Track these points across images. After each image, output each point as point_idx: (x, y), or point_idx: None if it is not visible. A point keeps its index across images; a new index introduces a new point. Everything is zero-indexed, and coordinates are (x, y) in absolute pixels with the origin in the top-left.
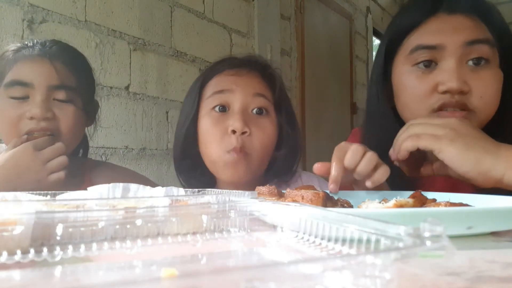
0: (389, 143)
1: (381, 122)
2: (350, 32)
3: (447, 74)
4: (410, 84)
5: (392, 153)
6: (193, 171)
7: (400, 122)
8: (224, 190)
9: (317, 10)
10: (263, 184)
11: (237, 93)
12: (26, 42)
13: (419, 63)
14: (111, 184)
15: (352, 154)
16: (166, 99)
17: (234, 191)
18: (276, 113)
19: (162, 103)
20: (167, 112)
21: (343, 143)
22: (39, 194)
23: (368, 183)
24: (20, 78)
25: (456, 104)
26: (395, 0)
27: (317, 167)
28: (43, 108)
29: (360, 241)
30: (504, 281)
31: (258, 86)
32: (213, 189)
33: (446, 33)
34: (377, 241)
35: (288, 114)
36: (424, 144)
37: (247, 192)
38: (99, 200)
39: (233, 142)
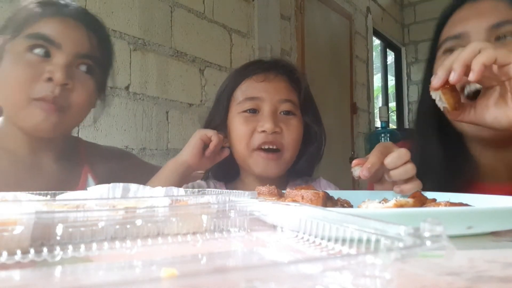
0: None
1: (432, 127)
2: (350, 32)
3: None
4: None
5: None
6: (222, 165)
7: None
8: (224, 190)
9: (317, 10)
10: (286, 184)
11: (267, 100)
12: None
13: (447, 50)
14: (111, 184)
15: (397, 156)
16: (166, 99)
17: (234, 191)
18: (302, 113)
19: (162, 103)
20: (167, 112)
21: (389, 143)
22: (39, 194)
23: (397, 189)
24: (47, 33)
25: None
26: (395, 0)
27: (356, 162)
28: (66, 73)
29: (360, 241)
30: (504, 281)
31: (285, 91)
32: (213, 189)
33: (469, 20)
34: (377, 241)
35: (314, 113)
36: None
37: (247, 192)
38: (99, 200)
39: (262, 138)
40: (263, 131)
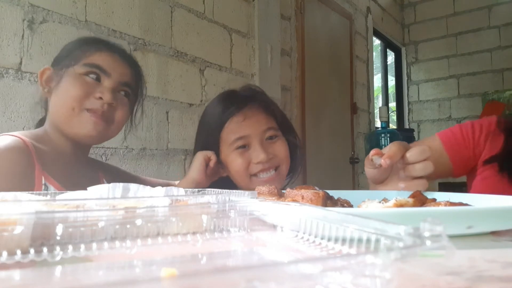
0: None
1: None
2: (350, 32)
3: None
4: None
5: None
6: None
7: None
8: (224, 190)
9: (317, 10)
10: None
11: (253, 135)
12: (105, 39)
13: None
14: (111, 184)
15: (420, 152)
16: (166, 99)
17: (234, 191)
18: (283, 132)
19: (162, 103)
20: (167, 112)
21: (404, 142)
22: (39, 194)
23: (402, 185)
24: (101, 64)
25: None
26: (395, 0)
27: (375, 152)
28: (112, 95)
29: (360, 241)
30: (504, 281)
31: (265, 121)
32: (213, 189)
33: None
34: (377, 241)
35: (290, 129)
36: None
37: (247, 192)
38: (99, 200)
39: (259, 167)
40: (259, 162)
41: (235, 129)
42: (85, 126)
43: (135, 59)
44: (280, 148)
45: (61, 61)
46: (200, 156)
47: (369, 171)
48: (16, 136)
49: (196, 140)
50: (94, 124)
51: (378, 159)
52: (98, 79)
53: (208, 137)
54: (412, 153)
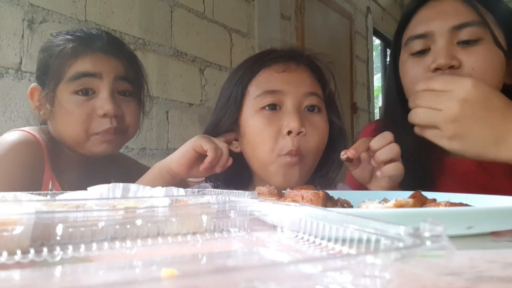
0: (406, 142)
1: (397, 119)
2: (350, 32)
3: (436, 53)
4: (408, 69)
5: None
6: (230, 173)
7: None
8: (224, 190)
9: (317, 10)
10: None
11: (290, 93)
12: (77, 34)
13: (415, 53)
14: (111, 184)
15: (380, 137)
16: (166, 99)
17: (234, 191)
18: (327, 109)
19: (162, 103)
20: (167, 112)
21: (371, 138)
22: (39, 194)
23: (378, 173)
24: (87, 70)
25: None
26: (395, 0)
27: (344, 151)
28: (113, 103)
29: (360, 241)
30: (504, 281)
31: (309, 83)
32: (213, 189)
33: (434, 19)
34: (377, 241)
35: (335, 109)
36: (428, 137)
37: (247, 192)
38: (99, 200)
39: (289, 144)
40: (289, 132)
41: (269, 79)
42: (99, 146)
43: (118, 39)
44: (317, 131)
45: (45, 79)
46: (191, 144)
47: (353, 172)
48: (29, 132)
49: (215, 110)
50: (108, 143)
51: (344, 155)
52: (92, 92)
53: (229, 95)
54: (374, 140)
